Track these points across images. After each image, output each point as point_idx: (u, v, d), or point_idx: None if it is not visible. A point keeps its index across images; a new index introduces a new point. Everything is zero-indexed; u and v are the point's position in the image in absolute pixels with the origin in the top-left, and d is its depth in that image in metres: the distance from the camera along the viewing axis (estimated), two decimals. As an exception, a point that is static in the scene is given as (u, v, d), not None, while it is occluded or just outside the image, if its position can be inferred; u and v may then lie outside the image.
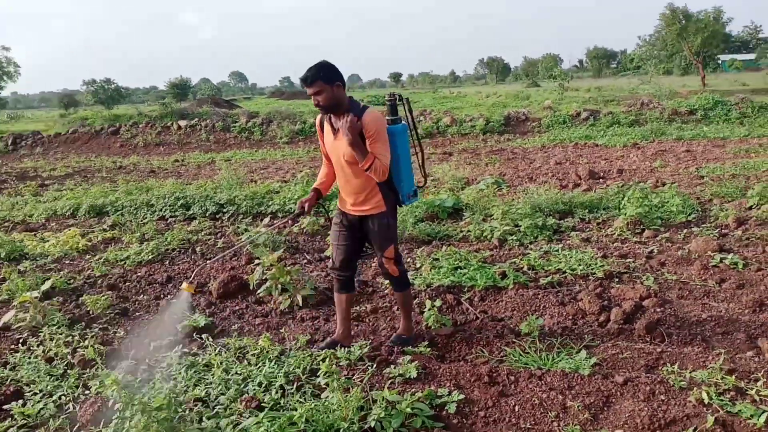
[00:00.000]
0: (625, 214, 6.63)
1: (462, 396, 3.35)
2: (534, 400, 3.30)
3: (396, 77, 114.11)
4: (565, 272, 5.27)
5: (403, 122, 3.89)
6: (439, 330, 4.30)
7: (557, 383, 3.43)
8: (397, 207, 4.00)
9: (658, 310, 4.43)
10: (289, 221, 4.16)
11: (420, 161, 4.12)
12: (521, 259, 5.63)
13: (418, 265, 5.73)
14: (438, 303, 4.46)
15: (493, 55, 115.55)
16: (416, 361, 3.74)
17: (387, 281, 4.20)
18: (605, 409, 3.20)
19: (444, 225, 7.18)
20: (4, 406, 3.54)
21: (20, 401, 3.57)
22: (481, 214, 7.23)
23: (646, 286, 4.88)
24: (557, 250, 5.90)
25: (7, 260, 6.88)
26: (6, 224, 8.98)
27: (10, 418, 3.41)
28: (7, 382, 3.88)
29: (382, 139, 3.63)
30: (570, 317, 4.45)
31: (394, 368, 3.71)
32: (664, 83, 25.03)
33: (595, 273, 5.20)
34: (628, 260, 5.54)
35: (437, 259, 5.76)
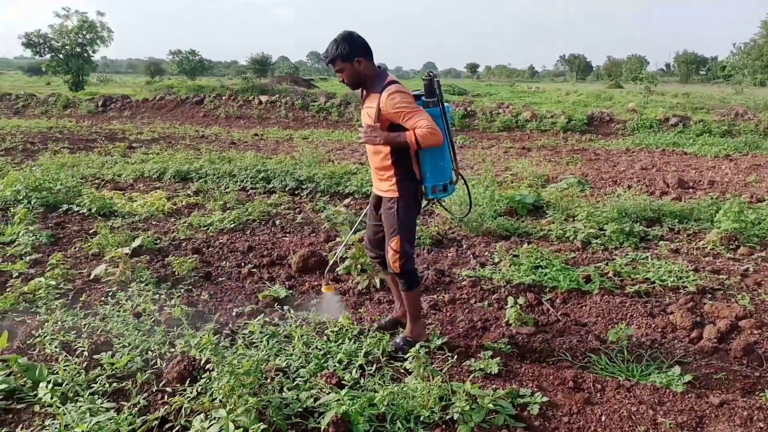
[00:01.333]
0: (720, 228, 6.28)
1: (545, 398, 3.27)
2: (622, 412, 3.18)
3: (473, 68, 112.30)
4: (653, 282, 5.04)
5: (438, 106, 3.54)
6: (520, 328, 4.20)
7: (647, 397, 3.28)
8: (420, 198, 3.67)
9: (756, 332, 4.17)
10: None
11: (452, 153, 3.68)
12: (607, 265, 5.43)
13: (496, 260, 5.62)
14: (522, 301, 4.36)
15: (575, 52, 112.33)
16: (497, 357, 3.68)
17: (393, 274, 3.79)
18: (698, 429, 3.04)
19: (523, 221, 7.02)
20: (95, 356, 3.69)
21: (109, 352, 3.71)
22: (563, 214, 7.02)
23: (742, 305, 4.60)
24: (645, 259, 5.66)
25: (97, 215, 7.20)
26: (96, 181, 9.40)
27: (99, 367, 3.55)
28: (98, 332, 4.05)
29: (409, 109, 3.35)
30: (659, 330, 4.25)
31: (475, 362, 3.66)
32: (758, 94, 23.59)
33: (686, 286, 4.95)
34: (721, 276, 5.24)
35: (517, 256, 5.64)
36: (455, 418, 2.99)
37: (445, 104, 3.59)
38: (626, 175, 10.49)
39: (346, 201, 7.88)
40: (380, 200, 3.72)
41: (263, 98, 22.90)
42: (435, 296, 4.80)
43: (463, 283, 5.10)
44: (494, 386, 3.34)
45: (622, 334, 3.98)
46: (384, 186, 3.62)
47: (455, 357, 3.67)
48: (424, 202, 3.81)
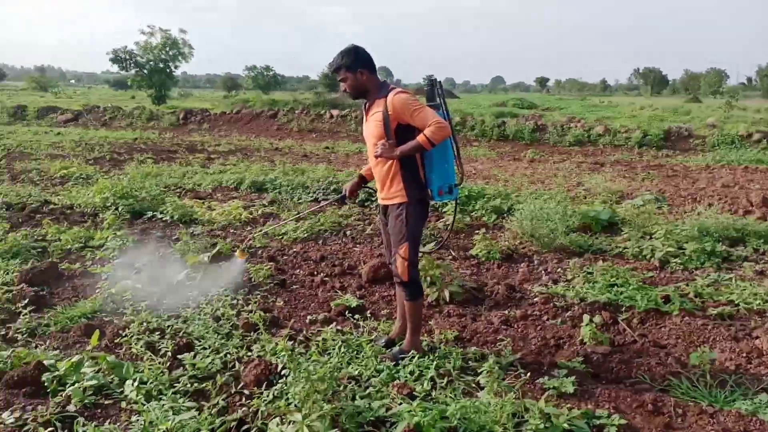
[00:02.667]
0: (812, 251, 5.93)
1: (623, 421, 3.18)
2: (705, 439, 3.05)
3: (542, 82, 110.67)
4: (737, 305, 4.81)
5: (441, 110, 3.66)
6: (596, 347, 4.10)
7: (732, 424, 3.14)
8: (427, 203, 3.73)
9: None
10: (335, 204, 4.20)
11: (455, 154, 3.76)
12: (687, 285, 5.22)
13: (569, 277, 5.51)
14: (597, 319, 4.26)
15: (649, 66, 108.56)
16: (572, 376, 3.61)
17: (398, 284, 3.81)
18: (789, 462, 2.87)
19: (597, 238, 6.85)
20: (178, 356, 3.87)
21: (192, 353, 3.88)
22: (640, 231, 6.81)
23: (838, 334, 4.32)
24: (728, 280, 5.40)
25: (179, 222, 7.54)
26: (178, 190, 9.84)
27: (182, 368, 3.71)
28: (180, 334, 4.24)
29: (416, 107, 3.46)
30: (744, 354, 4.05)
31: (549, 380, 3.60)
32: None
33: (774, 310, 4.70)
34: (813, 302, 4.94)
35: (591, 273, 5.51)
36: (528, 435, 2.95)
37: (440, 109, 3.67)
38: (706, 193, 10.05)
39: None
40: (385, 208, 3.76)
41: (334, 112, 23.34)
42: (506, 312, 4.75)
43: (536, 299, 5.03)
44: (569, 405, 3.28)
45: (704, 357, 3.81)
46: (391, 193, 3.65)
47: (528, 374, 3.62)
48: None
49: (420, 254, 3.93)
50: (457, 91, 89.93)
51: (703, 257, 5.98)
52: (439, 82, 3.81)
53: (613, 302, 4.88)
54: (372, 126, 3.58)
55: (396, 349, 3.88)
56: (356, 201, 3.40)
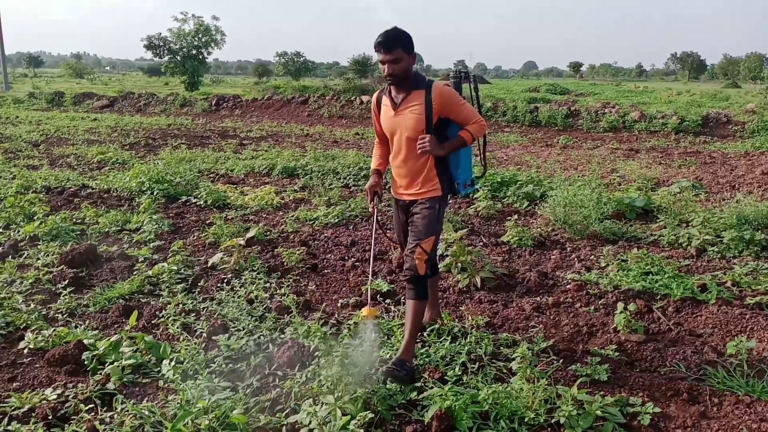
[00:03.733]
0: None
1: (657, 409, 3.14)
2: (741, 428, 3.00)
3: (575, 67, 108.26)
4: (777, 294, 4.69)
5: (473, 104, 3.69)
6: (629, 336, 4.05)
7: (770, 415, 3.08)
8: (451, 197, 3.67)
9: None
10: (377, 214, 3.83)
11: (481, 149, 3.79)
12: (724, 274, 5.11)
13: (603, 264, 5.44)
14: (631, 307, 4.20)
15: (687, 50, 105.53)
16: (606, 364, 3.58)
17: (405, 280, 3.50)
18: (829, 454, 2.81)
19: (632, 225, 6.74)
20: (213, 337, 3.94)
21: (226, 335, 3.95)
22: (676, 219, 6.67)
23: None
24: (767, 269, 5.27)
25: (212, 207, 7.65)
26: (211, 175, 9.98)
27: (217, 349, 3.79)
28: (215, 316, 4.32)
29: (461, 102, 3.43)
30: (784, 345, 3.95)
31: (581, 367, 3.57)
32: None
33: (816, 301, 4.57)
34: None
35: (625, 261, 5.43)
36: (561, 422, 2.94)
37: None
38: (745, 180, 9.80)
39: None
40: (410, 204, 3.58)
41: (364, 98, 23.31)
42: (538, 299, 4.72)
43: (568, 286, 4.98)
44: (602, 393, 3.25)
45: (742, 347, 3.73)
46: (425, 187, 3.51)
47: (560, 361, 3.61)
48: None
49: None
50: (489, 76, 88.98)
51: (742, 245, 5.84)
52: (474, 76, 3.74)
53: (647, 290, 4.81)
54: (410, 118, 3.40)
55: (396, 361, 3.36)
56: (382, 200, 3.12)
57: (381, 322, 4.07)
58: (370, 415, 2.88)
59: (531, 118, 19.28)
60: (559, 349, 3.85)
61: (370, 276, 4.40)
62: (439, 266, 5.20)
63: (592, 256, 5.75)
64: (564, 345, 3.94)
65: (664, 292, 4.75)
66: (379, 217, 3.89)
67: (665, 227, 6.42)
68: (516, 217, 6.57)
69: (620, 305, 4.25)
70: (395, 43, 3.27)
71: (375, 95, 3.66)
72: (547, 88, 34.82)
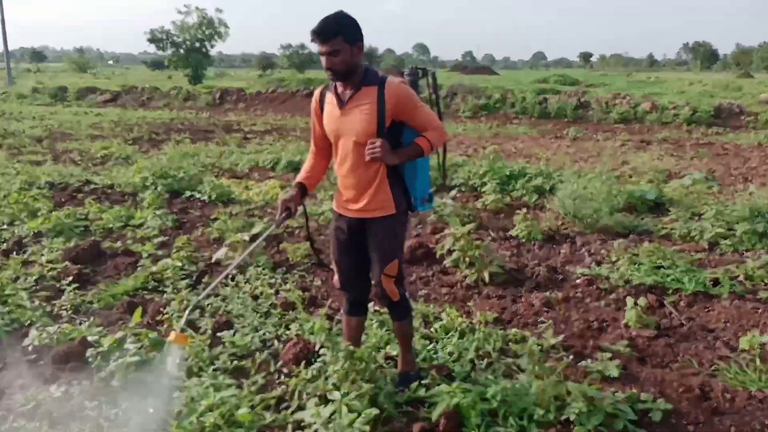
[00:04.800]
0: None
1: (669, 405, 3.09)
2: (754, 425, 2.95)
3: (586, 57, 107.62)
4: (791, 288, 4.61)
5: (431, 106, 3.16)
6: (641, 331, 3.98)
7: (785, 411, 3.01)
8: (408, 213, 3.13)
9: None
10: (276, 228, 3.16)
11: (441, 157, 3.31)
12: (737, 267, 5.01)
13: (614, 259, 5.36)
14: (642, 302, 4.12)
15: (699, 40, 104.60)
16: (616, 360, 3.51)
17: (382, 305, 3.30)
18: None
19: (643, 219, 6.65)
20: (218, 333, 3.90)
21: (231, 331, 3.91)
22: (688, 212, 6.58)
23: None
24: (781, 262, 5.18)
25: (217, 202, 7.61)
26: (215, 170, 9.93)
27: (222, 345, 3.74)
28: (220, 312, 4.28)
29: (418, 105, 2.90)
30: (799, 340, 3.88)
31: (592, 363, 3.51)
32: None
33: (831, 294, 4.48)
34: None
35: (636, 255, 5.34)
36: (572, 419, 2.88)
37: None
38: (758, 172, 9.68)
39: (452, 193, 7.81)
40: (359, 224, 3.03)
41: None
42: (548, 294, 4.64)
43: (578, 281, 4.90)
44: (613, 389, 3.20)
45: (755, 342, 3.66)
46: (374, 203, 2.95)
47: (570, 357, 3.55)
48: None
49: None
50: (497, 67, 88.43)
51: (755, 239, 5.75)
52: (432, 72, 3.24)
53: (659, 285, 4.74)
54: (359, 119, 2.85)
55: (399, 377, 3.31)
56: (296, 216, 2.72)
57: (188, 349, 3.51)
58: (377, 412, 2.82)
59: (540, 110, 19.14)
60: (569, 344, 3.79)
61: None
62: (447, 262, 5.16)
63: (603, 250, 5.67)
64: (574, 340, 3.89)
65: (675, 287, 4.68)
66: (272, 233, 3.23)
67: (677, 220, 6.33)
68: (525, 210, 6.47)
69: (631, 300, 4.18)
70: (334, 30, 2.73)
71: (317, 91, 3.09)
72: (557, 79, 34.67)
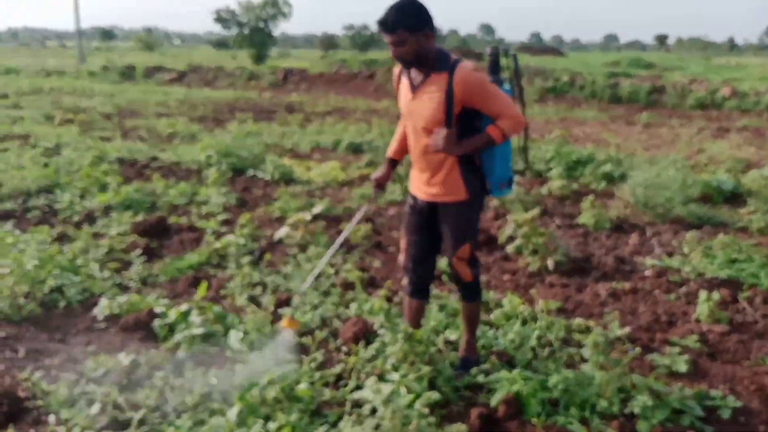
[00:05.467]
0: None
1: (739, 403, 2.97)
2: (833, 429, 2.77)
3: (661, 40, 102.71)
4: None
5: (506, 85, 3.04)
6: (712, 326, 3.80)
7: None
8: (485, 197, 3.08)
9: None
10: (370, 204, 3.39)
11: (523, 142, 3.22)
12: (820, 264, 4.72)
13: (685, 251, 5.12)
14: (715, 296, 3.93)
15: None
16: (685, 355, 3.37)
17: (455, 284, 3.23)
18: None
19: (719, 210, 6.34)
20: (278, 309, 3.96)
21: (292, 308, 3.95)
22: (767, 204, 6.22)
23: None
24: None
25: (279, 181, 7.71)
26: (277, 149, 10.06)
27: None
28: (281, 289, 4.34)
29: (490, 92, 2.79)
30: None
31: (659, 357, 3.38)
32: None
33: None
34: None
35: (710, 247, 5.09)
36: (636, 412, 2.79)
37: (505, 84, 3.07)
38: None
39: (516, 177, 7.66)
40: (432, 208, 3.04)
41: (478, 73, 23.01)
42: (614, 284, 4.49)
43: (647, 272, 4.72)
44: (680, 384, 3.07)
45: (840, 343, 3.44)
46: (446, 188, 2.94)
47: (637, 349, 3.41)
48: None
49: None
50: (566, 49, 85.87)
51: (840, 234, 5.39)
52: (514, 54, 3.11)
53: (733, 279, 4.52)
54: (426, 106, 2.83)
55: (460, 362, 3.29)
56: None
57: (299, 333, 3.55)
58: (436, 395, 2.80)
59: (611, 94, 18.45)
60: (635, 337, 3.67)
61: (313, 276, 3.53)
62: (509, 248, 5.06)
63: (674, 242, 5.44)
64: (641, 333, 3.75)
65: (751, 282, 4.46)
66: (367, 211, 3.30)
67: (755, 212, 6.00)
68: (592, 197, 6.27)
69: (703, 294, 3.99)
70: (397, 22, 2.70)
71: (396, 69, 3.07)
72: (630, 62, 33.28)
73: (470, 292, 3.17)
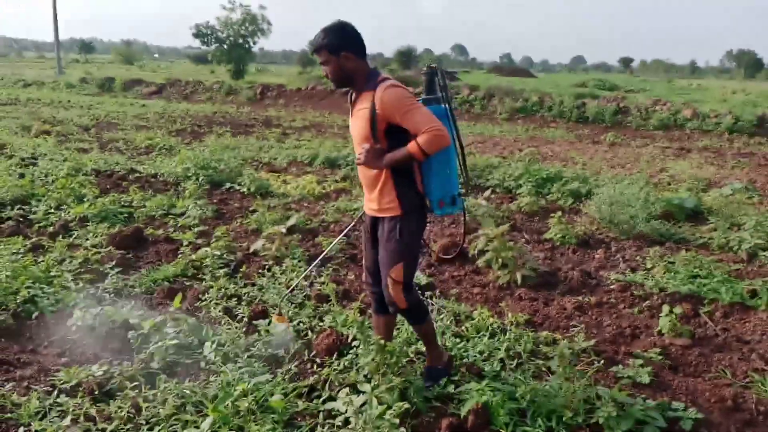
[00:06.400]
0: None
1: (701, 415, 3.07)
2: (789, 439, 2.90)
3: (626, 62, 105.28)
4: (833, 303, 4.50)
5: (444, 104, 3.03)
6: (674, 339, 3.94)
7: (822, 427, 2.96)
8: (426, 214, 3.08)
9: None
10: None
11: (461, 159, 3.11)
12: (777, 280, 4.92)
13: (649, 266, 5.31)
14: (678, 310, 4.09)
15: (743, 48, 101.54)
16: (648, 367, 3.50)
17: (392, 310, 3.14)
18: None
19: (680, 227, 6.55)
20: (254, 321, 4.00)
21: (266, 320, 4.00)
22: (727, 222, 6.46)
23: None
24: (823, 277, 5.06)
25: (255, 194, 7.76)
26: (254, 163, 10.10)
27: (257, 333, 3.83)
28: (256, 301, 4.39)
29: (409, 107, 2.80)
30: (838, 356, 3.80)
31: (623, 369, 3.51)
32: None
33: None
34: None
35: (672, 263, 5.28)
36: (600, 422, 2.89)
37: (442, 104, 3.06)
38: (802, 183, 9.41)
39: (486, 194, 7.81)
40: (376, 222, 3.10)
41: (409, 90, 23.21)
42: (580, 298, 4.64)
43: (612, 286, 4.88)
44: (644, 396, 3.20)
45: (793, 356, 3.60)
46: (381, 203, 2.98)
47: (601, 362, 3.54)
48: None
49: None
50: (535, 70, 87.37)
51: (796, 251, 5.62)
52: (443, 71, 3.11)
53: (695, 294, 4.68)
54: (358, 124, 2.94)
55: (426, 370, 3.33)
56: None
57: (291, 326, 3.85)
58: (406, 406, 2.87)
59: (578, 114, 18.91)
60: (600, 349, 3.80)
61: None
62: (479, 261, 5.17)
63: (638, 257, 5.61)
64: (606, 346, 3.88)
65: (712, 297, 4.62)
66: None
67: (716, 230, 6.23)
68: (560, 214, 6.45)
69: (666, 308, 4.15)
70: (318, 46, 2.88)
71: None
72: (596, 84, 34.03)
73: (410, 317, 3.18)
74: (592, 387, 3.12)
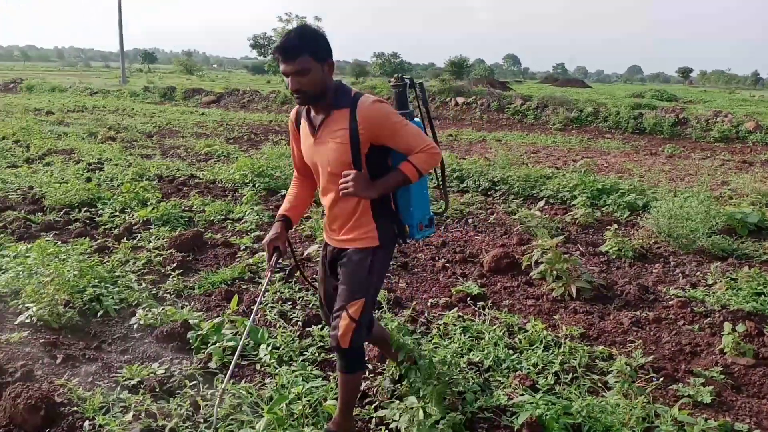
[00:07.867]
0: None
1: (766, 438, 2.95)
2: None
3: (685, 73, 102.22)
4: None
5: (417, 118, 2.80)
6: (737, 358, 3.81)
7: None
8: (395, 246, 2.83)
9: None
10: (271, 272, 2.77)
11: (440, 179, 2.94)
12: None
13: (710, 282, 5.14)
14: (741, 328, 3.95)
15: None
16: (710, 386, 3.39)
17: (332, 344, 2.75)
18: None
19: (743, 242, 6.32)
20: (307, 328, 4.07)
21: (320, 325, 4.06)
22: (794, 238, 6.20)
23: None
24: None
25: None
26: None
27: (311, 338, 3.91)
28: (310, 306, 4.46)
29: (398, 126, 2.49)
30: None
31: (683, 387, 3.41)
32: None
33: None
34: None
35: (735, 279, 5.10)
36: (658, 441, 2.82)
37: (416, 118, 2.83)
38: None
39: (540, 204, 7.72)
40: (339, 253, 2.75)
41: (459, 100, 23.20)
42: (637, 313, 4.52)
43: (671, 302, 4.74)
44: (705, 416, 3.10)
45: None
46: (356, 234, 2.65)
47: (660, 379, 3.45)
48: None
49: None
50: (590, 80, 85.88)
51: None
52: (420, 83, 2.86)
53: (759, 312, 4.50)
54: (331, 148, 2.53)
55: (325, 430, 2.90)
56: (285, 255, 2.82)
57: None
58: (460, 417, 2.87)
59: (634, 125, 18.43)
60: (659, 366, 3.69)
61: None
62: (533, 273, 5.11)
63: (698, 273, 5.44)
64: (665, 363, 3.77)
65: (778, 315, 4.43)
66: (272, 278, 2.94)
67: (781, 246, 5.98)
68: (616, 226, 6.32)
69: (728, 326, 4.00)
70: (300, 48, 2.40)
71: (293, 111, 2.77)
72: (653, 94, 33.19)
73: (346, 361, 2.73)
74: (650, 405, 3.05)
